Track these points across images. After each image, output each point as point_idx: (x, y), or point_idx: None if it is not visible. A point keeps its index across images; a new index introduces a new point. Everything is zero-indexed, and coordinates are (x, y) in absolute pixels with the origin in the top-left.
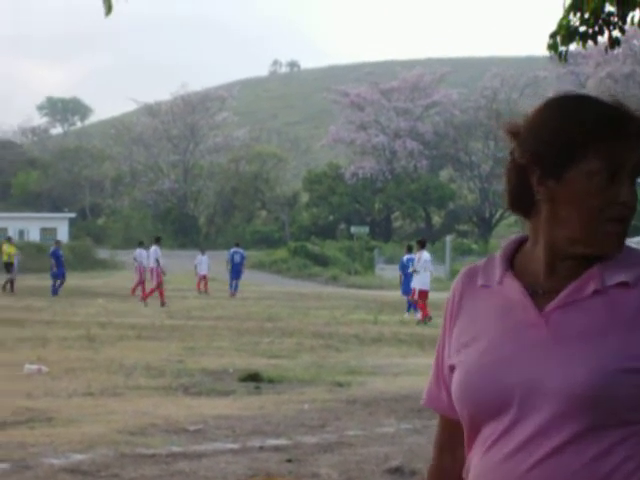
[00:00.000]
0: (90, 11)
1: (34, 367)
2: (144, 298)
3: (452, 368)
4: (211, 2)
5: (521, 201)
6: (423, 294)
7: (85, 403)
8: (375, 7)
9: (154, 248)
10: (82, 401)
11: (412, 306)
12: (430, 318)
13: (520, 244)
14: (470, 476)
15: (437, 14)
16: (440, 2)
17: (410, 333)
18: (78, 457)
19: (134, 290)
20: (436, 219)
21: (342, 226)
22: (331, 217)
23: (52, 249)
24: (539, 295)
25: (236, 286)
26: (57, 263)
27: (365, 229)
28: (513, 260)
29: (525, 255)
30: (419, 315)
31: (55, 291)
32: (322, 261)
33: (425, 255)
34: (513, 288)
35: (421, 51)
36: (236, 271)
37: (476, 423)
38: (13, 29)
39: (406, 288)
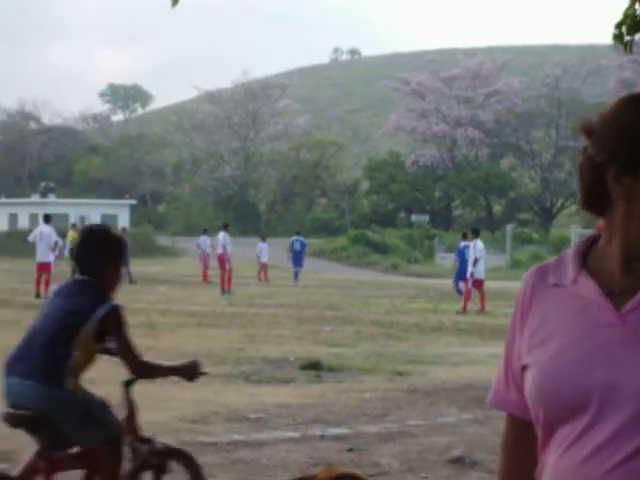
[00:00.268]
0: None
1: None
2: (223, 287)
3: (524, 368)
4: None
5: (595, 199)
6: (477, 283)
7: (146, 390)
8: None
9: (223, 234)
10: (143, 388)
11: (461, 293)
12: (463, 311)
13: (593, 242)
14: (545, 478)
15: (499, 1)
16: None
17: (470, 322)
18: None
19: (206, 276)
20: (497, 208)
21: (402, 214)
22: (391, 205)
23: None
24: (615, 295)
25: (297, 274)
26: None
27: (425, 217)
28: (586, 258)
29: (599, 253)
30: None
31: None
32: (382, 249)
33: (479, 244)
34: (588, 287)
35: (483, 39)
36: (297, 259)
37: (552, 424)
38: (75, 16)
39: (459, 275)
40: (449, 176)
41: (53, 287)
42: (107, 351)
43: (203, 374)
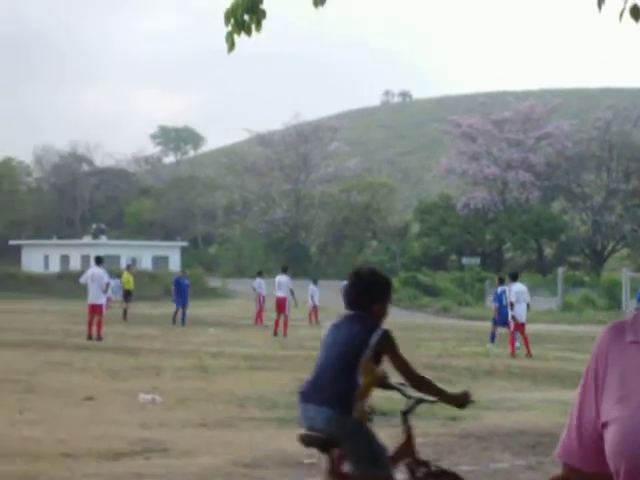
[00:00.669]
0: (204, 42)
1: (148, 397)
2: (276, 331)
3: (604, 425)
4: (322, 36)
5: None
6: (519, 326)
7: (199, 434)
8: (487, 37)
9: (285, 278)
10: (196, 432)
11: (493, 338)
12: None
13: None
14: None
15: (549, 45)
16: (553, 33)
17: (522, 366)
18: None
19: (257, 319)
20: (548, 250)
21: (453, 257)
22: (442, 247)
23: (175, 277)
24: None
25: None
26: (177, 291)
27: (476, 260)
28: None
29: None
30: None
31: (174, 319)
32: (433, 292)
33: (517, 287)
34: None
35: (533, 82)
36: None
37: (634, 478)
38: (126, 58)
39: (500, 319)
40: (500, 219)
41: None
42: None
43: (473, 402)
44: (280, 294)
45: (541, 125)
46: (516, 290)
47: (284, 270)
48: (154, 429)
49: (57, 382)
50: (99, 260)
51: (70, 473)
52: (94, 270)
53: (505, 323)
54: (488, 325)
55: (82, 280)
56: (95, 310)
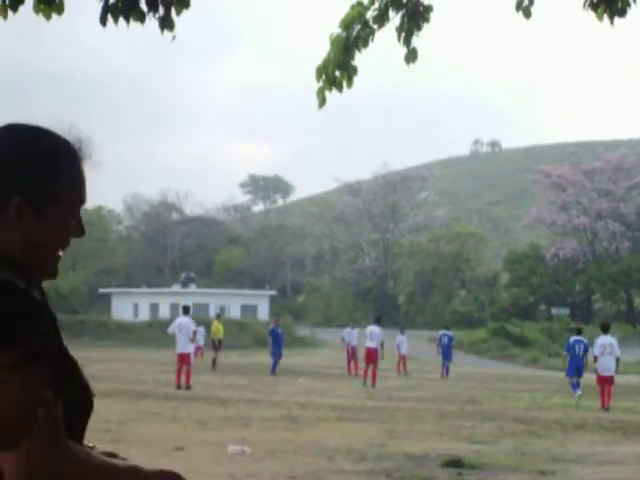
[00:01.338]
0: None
1: (237, 448)
2: (365, 379)
3: None
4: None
5: None
6: (601, 379)
7: None
8: (577, 86)
9: (377, 329)
10: None
11: (574, 387)
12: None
13: None
14: None
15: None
16: None
17: (614, 419)
18: None
19: (350, 369)
20: (638, 301)
21: (542, 307)
22: (531, 298)
23: (271, 327)
24: None
25: (447, 369)
26: (274, 341)
27: (565, 310)
28: None
29: None
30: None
31: (273, 370)
32: (522, 342)
33: (602, 339)
34: None
35: (624, 131)
36: (445, 353)
37: None
38: (214, 107)
39: (569, 370)
40: (589, 269)
41: None
42: None
43: None
44: (371, 345)
45: (632, 175)
46: (600, 343)
47: (377, 321)
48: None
49: (147, 432)
50: (186, 310)
51: None
52: (181, 319)
53: (574, 374)
54: (582, 378)
55: (170, 330)
56: (183, 359)
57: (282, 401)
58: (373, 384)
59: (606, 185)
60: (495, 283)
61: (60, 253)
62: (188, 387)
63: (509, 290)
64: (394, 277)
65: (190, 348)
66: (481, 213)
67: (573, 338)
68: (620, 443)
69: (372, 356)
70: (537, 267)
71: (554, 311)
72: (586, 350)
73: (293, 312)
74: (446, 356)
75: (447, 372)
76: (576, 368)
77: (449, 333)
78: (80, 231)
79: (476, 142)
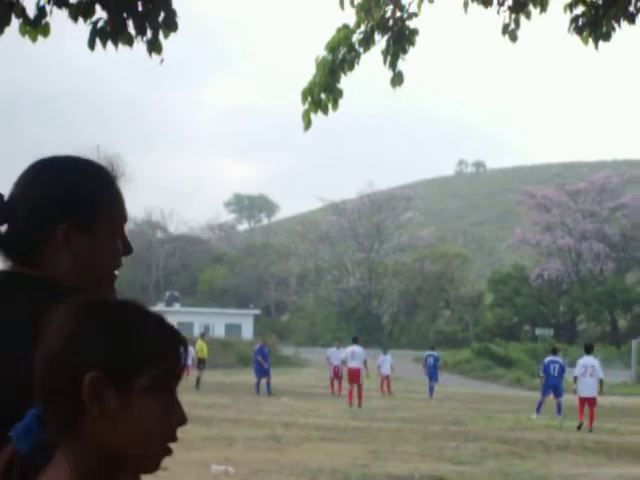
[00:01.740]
0: (278, 112)
1: (221, 468)
2: (351, 401)
3: None
4: (396, 107)
5: None
6: (582, 401)
7: None
8: (562, 108)
9: (359, 348)
10: None
11: (540, 407)
12: (581, 424)
13: None
14: None
15: (623, 115)
16: (627, 103)
17: (597, 441)
18: None
19: (333, 389)
20: (622, 322)
21: (526, 327)
22: (515, 318)
23: (257, 346)
24: None
25: (431, 389)
26: (265, 360)
27: (549, 331)
28: None
29: None
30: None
31: (258, 389)
32: (506, 363)
33: (584, 360)
34: None
35: (608, 152)
36: (433, 374)
37: None
38: (199, 127)
39: (544, 389)
40: (574, 290)
41: None
42: None
43: None
44: (353, 365)
45: (616, 196)
46: (582, 363)
47: (355, 341)
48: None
49: None
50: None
51: None
52: None
53: (548, 393)
54: (562, 398)
55: None
56: None
57: (266, 421)
58: (359, 404)
59: (590, 206)
60: (479, 303)
61: (116, 273)
62: None
63: (493, 310)
64: (378, 297)
65: None
66: (466, 233)
67: (548, 359)
68: (603, 465)
69: (355, 376)
70: (521, 288)
71: (538, 332)
72: (562, 370)
73: (277, 331)
74: (432, 377)
75: (431, 393)
76: (551, 388)
77: (435, 353)
78: (127, 248)
79: (461, 162)
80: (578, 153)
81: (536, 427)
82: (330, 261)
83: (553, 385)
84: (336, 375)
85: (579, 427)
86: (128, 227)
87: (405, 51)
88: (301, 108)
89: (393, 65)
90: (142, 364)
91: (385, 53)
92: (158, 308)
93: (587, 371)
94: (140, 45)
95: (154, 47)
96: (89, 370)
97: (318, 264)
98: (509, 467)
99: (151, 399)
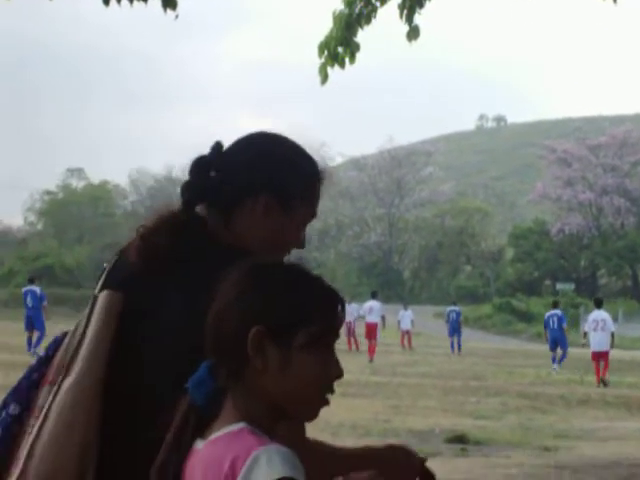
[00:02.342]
0: (296, 67)
1: None
2: (371, 357)
3: None
4: (416, 62)
5: None
6: (595, 355)
7: None
8: (583, 62)
9: (377, 303)
10: None
11: (554, 361)
12: (604, 382)
13: None
14: None
15: None
16: None
17: (617, 395)
18: None
19: (350, 345)
20: None
21: (547, 282)
22: (536, 273)
23: None
24: None
25: (458, 344)
26: None
27: (570, 286)
28: None
29: None
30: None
31: None
32: (527, 318)
33: (595, 314)
34: None
35: (630, 106)
36: (453, 328)
37: None
38: (216, 81)
39: (550, 344)
40: (595, 245)
41: None
42: None
43: None
44: (371, 319)
45: (637, 150)
46: (593, 318)
47: (373, 295)
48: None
49: None
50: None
51: None
52: None
53: (553, 347)
54: (582, 352)
55: None
56: None
57: None
58: (371, 359)
59: (611, 160)
60: (500, 258)
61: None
62: None
63: (514, 265)
64: (399, 252)
65: None
66: (486, 188)
67: (548, 313)
68: (624, 418)
69: (372, 331)
70: (542, 242)
71: (559, 286)
72: (560, 322)
73: None
74: (455, 332)
75: (459, 348)
76: (552, 341)
77: (457, 309)
78: (303, 243)
79: (481, 117)
80: (599, 107)
81: (557, 382)
82: (351, 217)
83: (553, 338)
84: (349, 331)
85: (601, 383)
86: (149, 184)
87: (422, 5)
88: (318, 62)
89: (409, 19)
90: (301, 322)
91: (401, 7)
92: None
93: (598, 325)
94: (155, 1)
95: (168, 3)
96: (253, 325)
97: (339, 220)
98: (530, 422)
99: (309, 354)
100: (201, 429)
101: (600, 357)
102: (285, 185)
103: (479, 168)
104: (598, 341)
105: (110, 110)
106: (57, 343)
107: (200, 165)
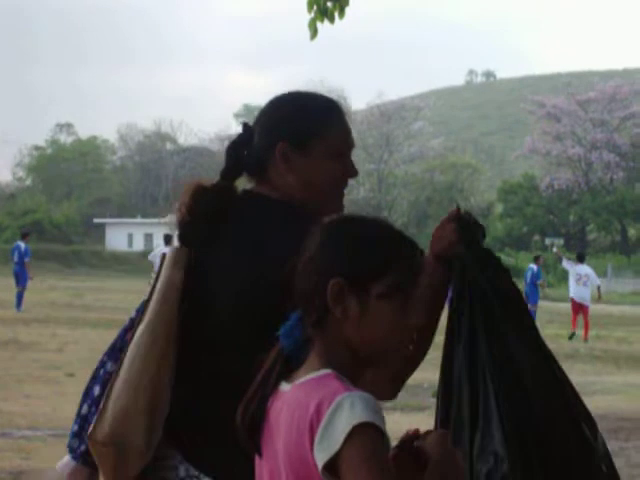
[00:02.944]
0: (286, 22)
1: None
2: None
3: None
4: (404, 17)
5: None
6: (575, 305)
7: None
8: (573, 17)
9: None
10: None
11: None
12: (573, 334)
13: None
14: None
15: (635, 23)
16: (638, 11)
17: (605, 349)
18: None
19: None
20: (632, 232)
21: (536, 237)
22: (525, 228)
23: None
24: None
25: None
26: None
27: (560, 241)
28: None
29: None
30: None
31: None
32: (515, 272)
33: (578, 268)
34: None
35: (619, 61)
36: None
37: None
38: (209, 38)
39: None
40: (584, 200)
41: None
42: None
43: None
44: None
45: (626, 105)
46: (577, 271)
47: None
48: None
49: None
50: (167, 239)
51: None
52: (164, 250)
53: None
54: (535, 306)
55: (150, 258)
56: None
57: None
58: None
59: (601, 115)
60: (489, 213)
61: (342, 190)
62: None
63: (503, 220)
64: (388, 207)
65: None
66: (476, 143)
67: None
68: (612, 373)
69: None
70: (531, 197)
71: (548, 241)
72: (533, 277)
73: None
74: None
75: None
76: (528, 297)
77: None
78: (352, 171)
79: (470, 72)
80: (588, 62)
81: (545, 337)
82: None
83: (526, 293)
84: None
85: (571, 337)
86: (137, 139)
87: None
88: (307, 17)
89: None
90: (378, 272)
91: None
92: (168, 220)
93: (581, 279)
94: None
95: None
96: (333, 277)
97: None
98: None
99: (386, 304)
100: (287, 374)
101: (580, 309)
102: (295, 127)
103: (468, 123)
104: (580, 294)
105: (102, 65)
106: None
107: (233, 149)
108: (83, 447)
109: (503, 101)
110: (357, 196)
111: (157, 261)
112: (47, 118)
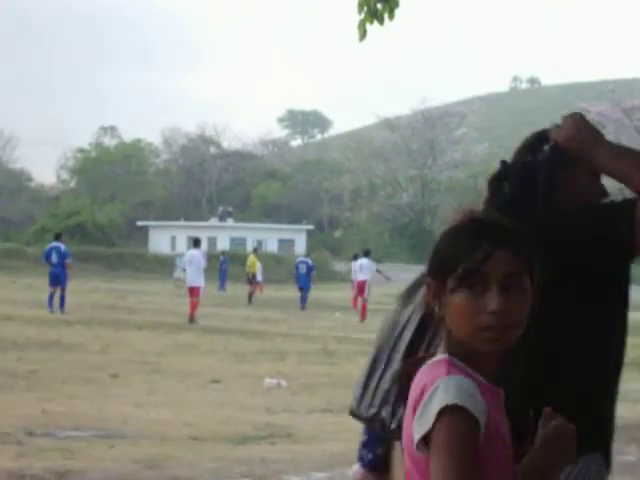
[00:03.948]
0: (335, 27)
1: (274, 381)
2: (362, 316)
3: None
4: (451, 22)
5: None
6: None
7: (325, 420)
8: (619, 24)
9: (367, 261)
10: (322, 418)
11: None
12: None
13: None
14: None
15: None
16: None
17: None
18: (319, 475)
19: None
20: None
21: None
22: None
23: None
24: None
25: None
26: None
27: None
28: None
29: None
30: None
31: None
32: None
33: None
34: None
35: None
36: None
37: None
38: (255, 41)
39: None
40: None
41: None
42: None
43: None
44: (361, 277)
45: None
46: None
47: (366, 254)
48: (279, 414)
49: (183, 364)
50: (196, 243)
51: (197, 457)
52: (192, 252)
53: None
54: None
55: (180, 264)
56: (192, 292)
57: (318, 335)
58: (362, 317)
59: None
60: None
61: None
62: (192, 320)
63: None
64: (431, 213)
65: (200, 281)
66: None
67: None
68: (636, 379)
69: (361, 289)
70: None
71: None
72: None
73: (330, 247)
74: None
75: None
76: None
77: None
78: (602, 193)
79: (515, 79)
80: (633, 69)
81: None
82: (383, 177)
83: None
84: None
85: None
86: (181, 142)
87: None
88: (357, 18)
89: None
90: (448, 269)
91: None
92: (211, 223)
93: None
94: None
95: None
96: (428, 275)
97: (371, 180)
98: None
99: (456, 297)
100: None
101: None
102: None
103: (512, 130)
104: None
105: (143, 68)
106: None
107: (493, 182)
108: (370, 456)
109: (547, 108)
110: (400, 201)
111: (187, 265)
112: (88, 122)
